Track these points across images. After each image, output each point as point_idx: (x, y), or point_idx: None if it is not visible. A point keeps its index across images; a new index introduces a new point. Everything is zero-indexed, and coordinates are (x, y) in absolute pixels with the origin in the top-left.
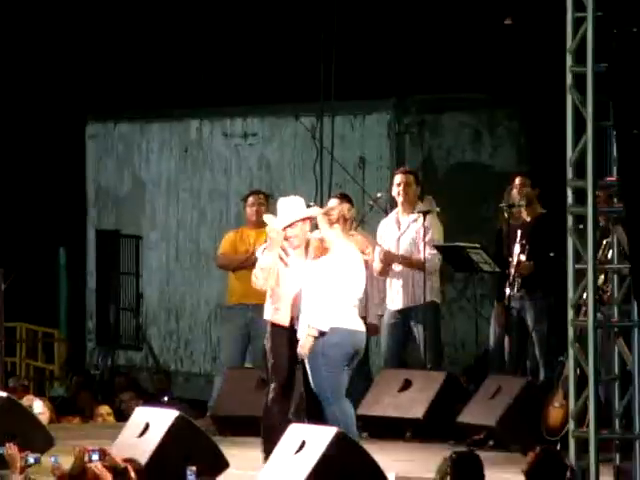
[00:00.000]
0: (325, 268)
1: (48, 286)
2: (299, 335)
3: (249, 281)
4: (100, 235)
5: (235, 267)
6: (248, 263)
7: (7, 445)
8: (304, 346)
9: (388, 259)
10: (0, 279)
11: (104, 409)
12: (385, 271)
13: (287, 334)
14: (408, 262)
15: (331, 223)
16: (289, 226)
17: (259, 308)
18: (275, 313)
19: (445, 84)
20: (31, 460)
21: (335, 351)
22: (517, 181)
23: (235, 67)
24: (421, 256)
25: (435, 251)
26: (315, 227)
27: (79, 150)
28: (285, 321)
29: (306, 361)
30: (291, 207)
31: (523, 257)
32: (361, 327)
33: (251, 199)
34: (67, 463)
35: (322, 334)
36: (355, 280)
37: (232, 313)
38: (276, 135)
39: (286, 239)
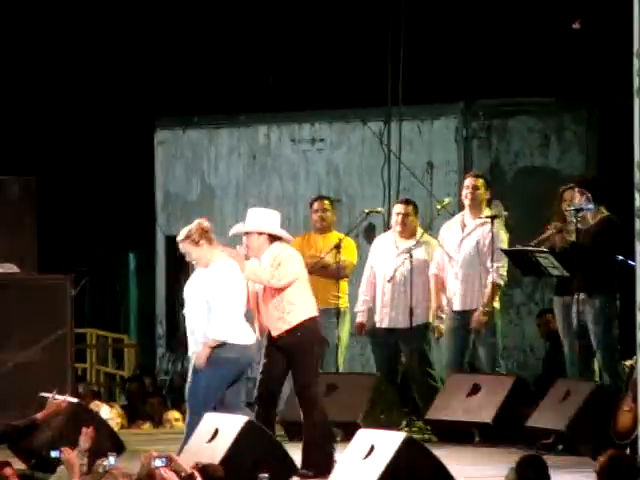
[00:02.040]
0: (207, 281)
1: (118, 292)
2: (190, 349)
3: (317, 286)
4: (169, 240)
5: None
6: (315, 268)
7: (64, 449)
8: (200, 357)
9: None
10: (71, 285)
11: (173, 414)
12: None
13: (269, 343)
14: (491, 297)
15: (196, 243)
16: (249, 234)
17: (326, 313)
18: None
19: (513, 88)
20: (108, 464)
21: (230, 367)
22: (577, 189)
23: (303, 73)
24: (486, 260)
25: (501, 263)
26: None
27: (148, 156)
28: (259, 331)
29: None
30: (257, 217)
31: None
32: (252, 340)
33: (316, 205)
34: (135, 468)
35: (219, 345)
36: (239, 290)
37: None
38: (344, 140)
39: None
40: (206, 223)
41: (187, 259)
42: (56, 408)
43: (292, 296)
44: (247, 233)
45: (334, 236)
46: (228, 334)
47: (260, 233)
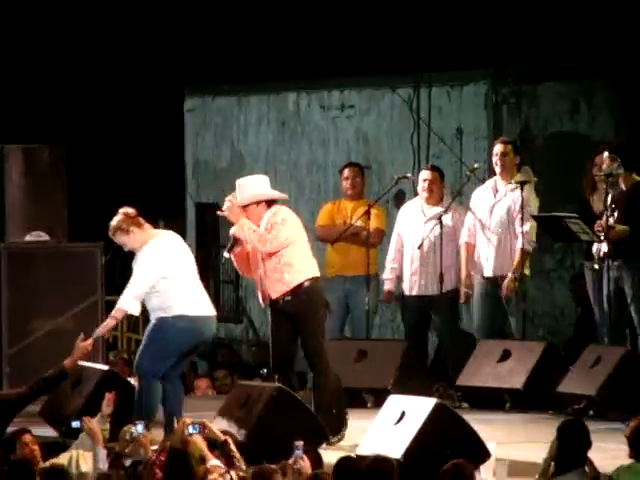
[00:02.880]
0: (142, 259)
1: None
2: None
3: (347, 253)
4: (199, 208)
5: (334, 239)
6: (346, 235)
7: (85, 419)
8: (104, 326)
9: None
10: (101, 253)
11: (203, 382)
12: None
13: (272, 314)
14: (520, 264)
15: (126, 232)
16: (246, 207)
17: (357, 280)
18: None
19: (542, 54)
20: (136, 432)
21: (177, 336)
22: (606, 153)
23: (332, 39)
24: (516, 225)
25: (528, 227)
26: None
27: (178, 124)
28: (264, 302)
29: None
30: (246, 187)
31: (611, 221)
32: (207, 312)
33: (346, 171)
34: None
35: (168, 314)
36: (180, 261)
37: (331, 285)
38: (373, 107)
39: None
40: (130, 210)
41: (125, 250)
42: (83, 351)
43: (290, 258)
44: (245, 206)
45: (364, 203)
46: (134, 306)
47: (258, 202)
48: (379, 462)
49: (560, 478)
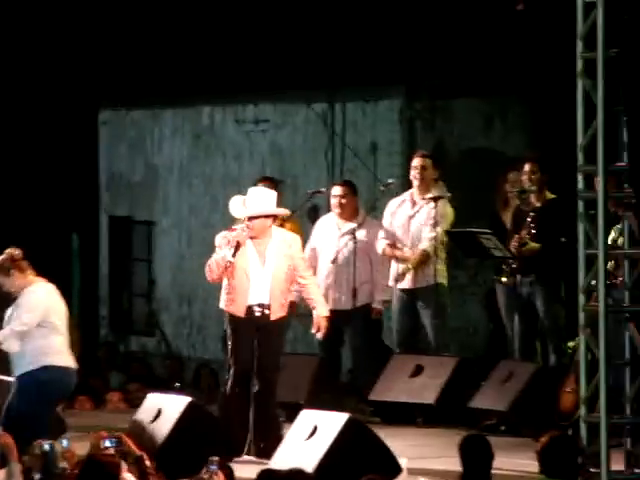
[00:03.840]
0: (28, 300)
1: (61, 272)
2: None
3: None
4: (113, 221)
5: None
6: None
7: (0, 434)
8: None
9: (388, 254)
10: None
11: (115, 395)
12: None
13: (243, 324)
14: (419, 261)
15: (7, 273)
16: (254, 218)
17: None
18: (231, 304)
19: (456, 70)
20: (46, 447)
21: (48, 389)
22: (527, 167)
23: (246, 54)
24: (424, 232)
25: (433, 234)
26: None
27: (92, 136)
28: (241, 312)
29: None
30: (260, 199)
31: (528, 237)
32: (73, 364)
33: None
34: (79, 449)
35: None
36: (52, 312)
37: None
38: (288, 121)
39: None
40: (17, 252)
41: (3, 290)
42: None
43: None
44: (251, 217)
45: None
46: (14, 345)
47: (267, 216)
48: (295, 475)
49: None
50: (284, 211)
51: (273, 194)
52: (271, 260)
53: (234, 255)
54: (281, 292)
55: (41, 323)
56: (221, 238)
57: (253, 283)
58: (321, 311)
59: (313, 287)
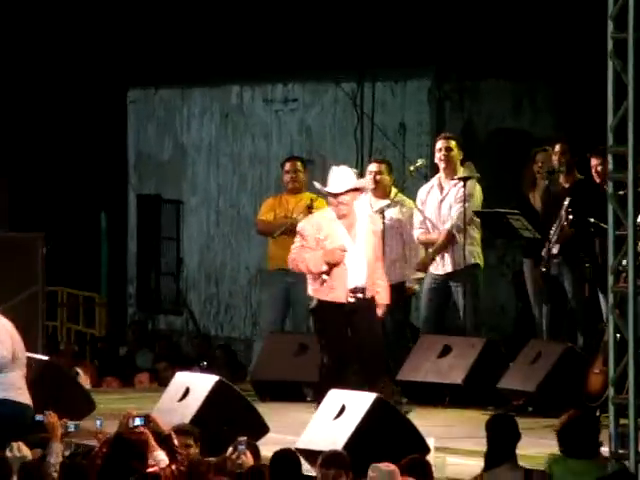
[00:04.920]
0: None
1: (89, 251)
2: None
3: (288, 247)
4: (141, 200)
5: (275, 233)
6: (288, 229)
7: (47, 413)
8: None
9: (423, 242)
10: (42, 243)
11: (144, 376)
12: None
13: (341, 311)
14: (443, 244)
15: None
16: (343, 194)
17: (298, 274)
18: (330, 292)
19: (485, 51)
20: (71, 427)
21: (4, 423)
22: (558, 148)
23: (276, 33)
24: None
25: (459, 212)
26: None
27: (120, 115)
28: (342, 298)
29: None
30: (343, 176)
31: (565, 224)
32: (29, 400)
33: (288, 165)
34: (108, 427)
35: None
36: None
37: (272, 278)
38: (316, 101)
39: (336, 205)
40: None
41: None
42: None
43: None
44: (339, 194)
45: (306, 197)
46: None
47: (355, 190)
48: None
49: (491, 472)
50: (366, 182)
51: (352, 171)
52: (361, 238)
53: (328, 274)
54: (374, 271)
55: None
56: (310, 227)
57: (349, 266)
58: (378, 298)
59: (381, 272)
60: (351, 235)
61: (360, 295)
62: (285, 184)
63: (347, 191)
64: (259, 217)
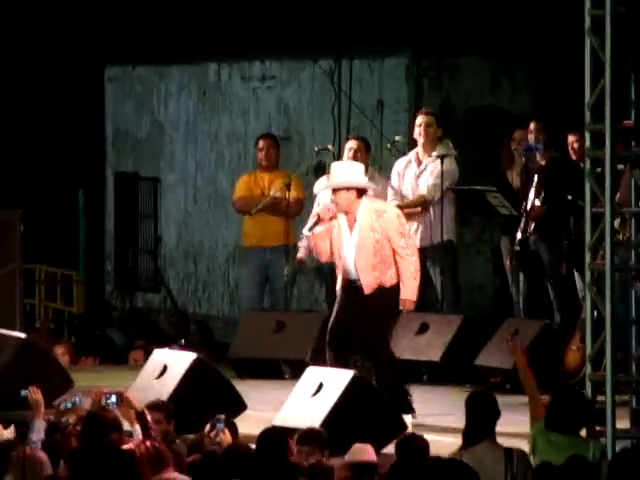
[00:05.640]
0: None
1: (67, 228)
2: None
3: (265, 224)
4: (119, 177)
5: (253, 210)
6: (266, 206)
7: (31, 389)
8: None
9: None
10: (19, 221)
11: (138, 354)
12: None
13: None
14: (412, 204)
15: None
16: (337, 191)
17: (277, 250)
18: (338, 282)
19: (463, 28)
20: (69, 405)
21: None
22: (532, 125)
23: (253, 10)
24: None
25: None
26: None
27: (98, 93)
28: (343, 288)
29: None
30: (343, 171)
31: (537, 202)
32: None
33: (261, 142)
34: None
35: None
36: None
37: (249, 255)
38: (294, 78)
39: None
40: None
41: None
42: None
43: None
44: (335, 190)
45: (281, 174)
46: None
47: (348, 189)
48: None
49: (470, 449)
50: (369, 184)
51: (360, 167)
52: (355, 233)
53: (311, 229)
54: (372, 266)
55: None
56: (326, 210)
57: (344, 259)
58: (403, 293)
59: (404, 267)
60: (350, 230)
61: (357, 286)
62: (259, 161)
63: (340, 189)
64: (236, 195)
